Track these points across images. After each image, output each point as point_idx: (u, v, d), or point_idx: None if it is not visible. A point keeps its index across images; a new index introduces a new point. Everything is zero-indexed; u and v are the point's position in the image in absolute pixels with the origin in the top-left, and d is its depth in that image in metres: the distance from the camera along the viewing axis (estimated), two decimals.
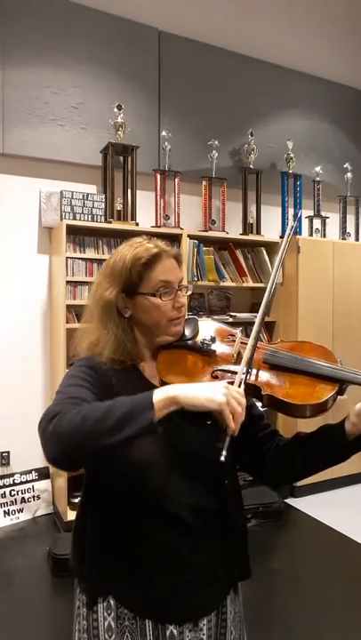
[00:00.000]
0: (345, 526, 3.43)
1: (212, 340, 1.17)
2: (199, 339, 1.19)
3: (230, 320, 3.95)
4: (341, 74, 4.80)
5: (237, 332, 1.22)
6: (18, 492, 3.50)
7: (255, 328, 1.12)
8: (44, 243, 3.65)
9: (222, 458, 0.94)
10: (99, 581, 1.12)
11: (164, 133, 3.86)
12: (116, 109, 3.62)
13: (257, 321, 1.14)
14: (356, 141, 4.97)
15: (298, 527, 3.59)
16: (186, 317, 1.22)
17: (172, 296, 1.16)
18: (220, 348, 1.18)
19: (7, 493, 3.46)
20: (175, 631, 1.10)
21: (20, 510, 3.48)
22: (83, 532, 1.15)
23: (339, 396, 1.09)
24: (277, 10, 4.31)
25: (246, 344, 1.12)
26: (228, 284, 3.98)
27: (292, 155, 4.35)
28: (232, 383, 1.03)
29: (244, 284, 4.05)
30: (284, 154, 4.36)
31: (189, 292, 1.22)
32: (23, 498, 3.50)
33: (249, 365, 1.08)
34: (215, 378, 1.07)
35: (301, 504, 3.83)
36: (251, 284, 4.08)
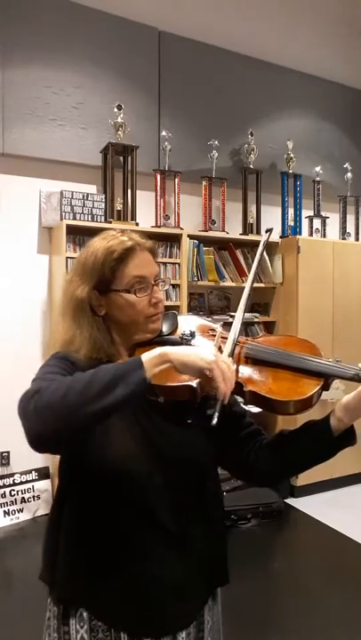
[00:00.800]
0: (345, 526, 3.42)
1: (192, 334, 1.12)
2: (178, 334, 1.14)
3: (230, 320, 3.94)
4: (341, 74, 4.80)
5: (218, 326, 1.17)
6: (18, 492, 3.50)
7: (242, 301, 1.11)
8: (44, 243, 3.65)
9: (214, 421, 0.91)
10: (71, 592, 1.06)
11: (164, 133, 3.86)
12: (116, 109, 3.62)
13: (243, 299, 1.11)
14: (356, 141, 4.97)
15: (298, 527, 3.59)
16: (164, 312, 1.17)
17: (148, 292, 1.09)
18: (200, 343, 1.12)
19: (7, 493, 3.46)
20: None
21: (20, 510, 3.48)
22: (55, 538, 1.09)
23: (324, 392, 1.05)
24: (277, 10, 4.30)
25: (227, 338, 1.08)
26: (228, 283, 3.99)
27: (292, 155, 4.35)
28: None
29: (244, 284, 4.04)
30: (284, 154, 4.36)
31: (167, 287, 1.16)
32: (23, 498, 3.50)
33: (236, 339, 1.06)
34: None
35: (301, 504, 3.83)
36: None
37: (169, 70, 3.98)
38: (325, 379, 1.04)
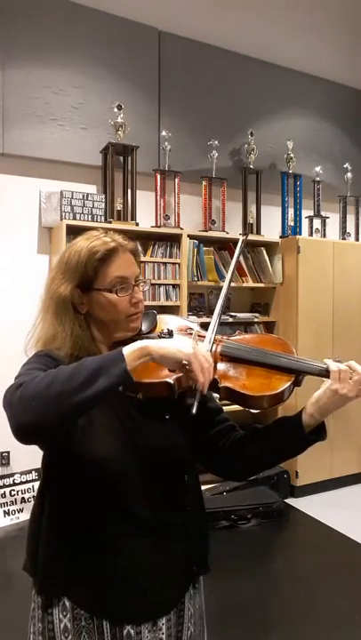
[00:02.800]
0: (345, 526, 3.43)
1: (170, 333, 1.15)
2: (156, 332, 1.18)
3: (230, 320, 3.95)
4: (341, 74, 4.80)
5: (195, 325, 1.22)
6: (18, 492, 3.49)
7: (220, 301, 1.18)
8: (44, 243, 3.65)
9: (194, 411, 0.96)
10: (53, 582, 1.09)
11: (164, 133, 3.86)
12: (116, 109, 3.62)
13: (220, 300, 1.16)
14: (356, 141, 4.97)
15: (298, 527, 3.59)
16: (144, 312, 1.20)
17: (129, 292, 1.12)
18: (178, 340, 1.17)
19: (7, 493, 3.46)
20: (132, 631, 1.07)
21: (20, 510, 3.48)
22: (38, 527, 1.12)
23: (296, 387, 1.10)
24: (277, 10, 4.31)
25: (204, 337, 1.13)
26: None
27: (292, 155, 4.35)
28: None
29: (244, 284, 4.05)
30: (284, 154, 4.36)
31: (147, 288, 1.19)
32: (23, 498, 3.50)
33: (213, 334, 1.12)
34: (172, 371, 1.03)
35: (301, 504, 3.83)
36: (251, 283, 4.08)
37: (169, 70, 3.98)
38: (296, 375, 1.10)
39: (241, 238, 1.35)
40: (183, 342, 0.98)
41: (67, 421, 0.94)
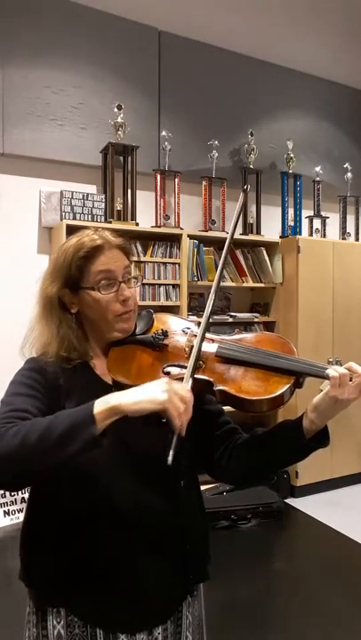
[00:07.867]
0: (345, 526, 3.42)
1: (165, 334, 1.11)
2: (151, 334, 1.13)
3: (230, 320, 3.95)
4: (341, 74, 4.80)
5: (192, 324, 1.16)
6: (18, 491, 3.50)
7: (203, 320, 1.07)
8: (44, 243, 3.64)
9: (169, 460, 0.88)
10: (47, 589, 1.07)
11: (164, 133, 3.86)
12: (116, 109, 3.62)
13: (205, 315, 1.08)
14: (356, 141, 4.97)
15: (298, 527, 3.59)
16: (140, 311, 1.16)
17: (115, 289, 1.08)
18: (172, 342, 1.11)
19: (7, 493, 3.46)
20: None
21: (20, 510, 3.47)
22: (30, 537, 1.10)
23: (297, 389, 1.05)
24: (278, 10, 4.30)
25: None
26: (228, 283, 3.99)
27: (292, 155, 4.35)
28: (182, 380, 0.98)
29: (244, 284, 4.05)
30: (284, 154, 4.36)
31: (139, 284, 1.14)
32: (23, 498, 3.50)
33: (197, 360, 1.02)
34: (167, 374, 1.00)
35: (301, 504, 3.83)
36: (251, 283, 4.08)
37: (169, 70, 3.98)
38: (297, 377, 1.03)
39: (241, 196, 1.18)
40: (156, 388, 0.91)
41: (40, 479, 0.96)
